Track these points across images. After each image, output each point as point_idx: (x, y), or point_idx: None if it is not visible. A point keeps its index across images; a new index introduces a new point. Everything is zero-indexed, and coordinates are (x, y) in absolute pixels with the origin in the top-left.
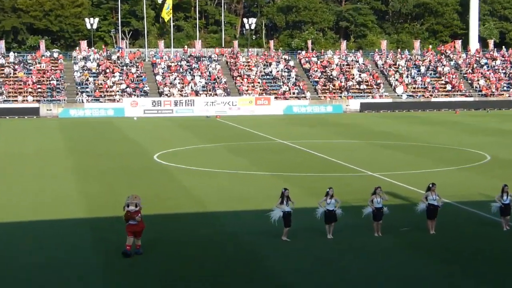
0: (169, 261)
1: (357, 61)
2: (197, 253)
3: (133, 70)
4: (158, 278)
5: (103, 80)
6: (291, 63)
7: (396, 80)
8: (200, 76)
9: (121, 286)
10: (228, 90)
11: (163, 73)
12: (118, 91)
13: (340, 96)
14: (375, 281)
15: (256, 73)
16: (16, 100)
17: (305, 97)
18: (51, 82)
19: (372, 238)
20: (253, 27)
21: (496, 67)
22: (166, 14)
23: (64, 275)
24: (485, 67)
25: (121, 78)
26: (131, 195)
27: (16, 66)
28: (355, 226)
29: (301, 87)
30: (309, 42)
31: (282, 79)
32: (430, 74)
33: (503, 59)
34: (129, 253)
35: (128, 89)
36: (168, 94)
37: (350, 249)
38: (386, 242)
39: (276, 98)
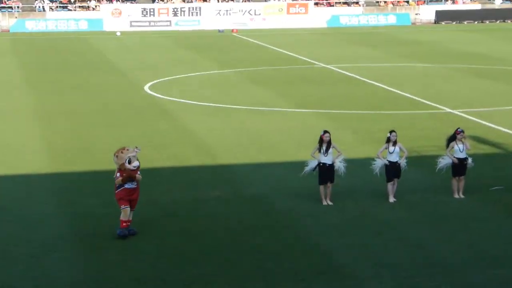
0: (167, 238)
1: None
2: (205, 225)
3: None
4: (154, 261)
5: None
6: None
7: None
8: None
9: (103, 272)
10: None
11: None
12: None
13: (407, 2)
14: (474, 268)
15: None
16: None
17: (357, 3)
18: None
19: (451, 201)
20: None
21: None
22: None
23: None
24: None
25: None
26: (130, 148)
27: None
28: (427, 184)
29: None
30: None
31: None
32: None
33: None
34: (128, 232)
35: None
36: (165, 0)
37: (423, 217)
38: (471, 206)
39: (316, 4)
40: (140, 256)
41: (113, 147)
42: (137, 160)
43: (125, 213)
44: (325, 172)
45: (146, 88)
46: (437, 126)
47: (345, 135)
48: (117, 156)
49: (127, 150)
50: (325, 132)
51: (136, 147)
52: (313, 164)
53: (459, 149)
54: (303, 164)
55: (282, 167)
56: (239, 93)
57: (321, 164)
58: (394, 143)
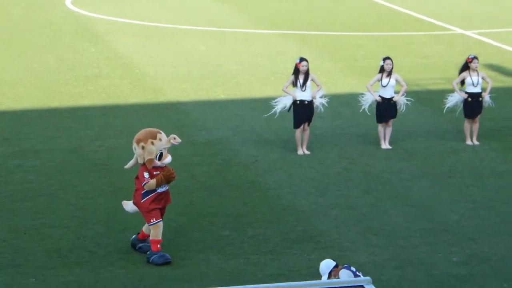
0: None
1: None
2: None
3: None
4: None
5: None
6: None
7: None
8: None
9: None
10: None
11: None
12: None
13: None
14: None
15: None
16: None
17: None
18: None
19: (462, 149)
20: None
21: None
22: None
23: None
24: None
25: None
26: (163, 135)
27: None
28: (431, 127)
29: None
30: None
31: None
32: None
33: None
34: (139, 248)
35: None
36: None
37: (426, 170)
38: (488, 156)
39: None
40: (63, 207)
41: (24, 79)
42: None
43: (159, 227)
44: (303, 112)
45: (67, 3)
46: (445, 52)
47: (323, 63)
48: (143, 147)
49: (160, 138)
50: (302, 59)
51: (174, 138)
52: (286, 101)
53: (473, 82)
54: (272, 101)
55: (245, 106)
56: (188, 10)
57: (298, 101)
58: (389, 74)
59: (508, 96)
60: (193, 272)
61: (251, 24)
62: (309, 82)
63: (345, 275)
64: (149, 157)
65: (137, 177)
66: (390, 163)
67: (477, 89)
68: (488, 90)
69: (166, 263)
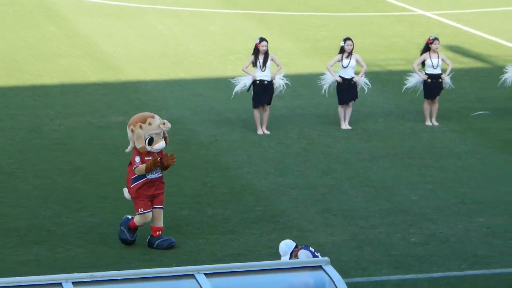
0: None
1: None
2: (106, 163)
3: None
4: None
5: None
6: None
7: None
8: None
9: None
10: None
11: None
12: None
13: None
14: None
15: None
16: None
17: None
18: None
19: (422, 130)
20: None
21: None
22: None
23: None
24: None
25: None
26: (155, 118)
27: None
28: (391, 108)
29: None
30: None
31: None
32: None
33: None
34: (166, 244)
35: None
36: None
37: (385, 151)
38: (447, 137)
39: None
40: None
41: None
42: (163, 137)
43: (145, 218)
44: (262, 92)
45: None
46: (406, 33)
47: (284, 44)
48: (132, 130)
49: (150, 122)
50: (262, 39)
51: (164, 123)
52: (246, 80)
53: (432, 64)
54: (231, 81)
55: (204, 85)
56: None
57: (257, 81)
58: (349, 55)
59: (468, 78)
60: (151, 252)
61: (211, 3)
62: (269, 62)
63: (304, 255)
64: (138, 141)
65: (130, 163)
66: (350, 143)
67: (437, 71)
68: (448, 71)
69: (128, 244)
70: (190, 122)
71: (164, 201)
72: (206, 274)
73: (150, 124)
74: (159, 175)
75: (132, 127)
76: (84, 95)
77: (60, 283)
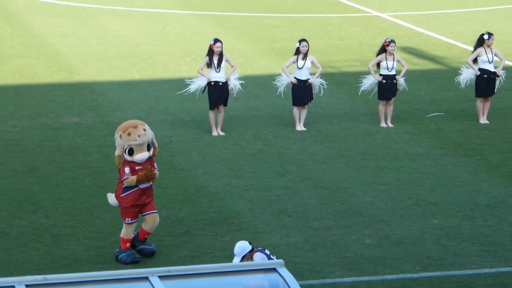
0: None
1: None
2: (58, 163)
3: None
4: None
5: None
6: None
7: None
8: None
9: None
10: None
11: None
12: None
13: None
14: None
15: None
16: None
17: None
18: None
19: (376, 131)
20: None
21: None
22: None
23: None
24: None
25: None
26: (141, 126)
27: None
28: (346, 109)
29: None
30: None
31: None
32: None
33: None
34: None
35: None
36: None
37: (340, 152)
38: (402, 138)
39: None
40: None
41: None
42: (149, 145)
43: (131, 229)
44: (218, 93)
45: None
46: (361, 35)
47: (239, 45)
48: (121, 136)
49: (129, 132)
50: (217, 40)
51: (144, 128)
52: (201, 82)
53: (387, 66)
54: (186, 82)
55: (159, 86)
56: None
57: (212, 82)
58: (305, 56)
59: (423, 79)
60: (106, 254)
61: (166, 4)
62: (223, 63)
63: (259, 258)
64: (117, 149)
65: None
66: (305, 145)
67: (392, 72)
68: (402, 73)
69: (135, 262)
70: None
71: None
72: (160, 277)
73: (129, 134)
74: (150, 184)
75: (120, 131)
76: (38, 96)
77: (13, 286)
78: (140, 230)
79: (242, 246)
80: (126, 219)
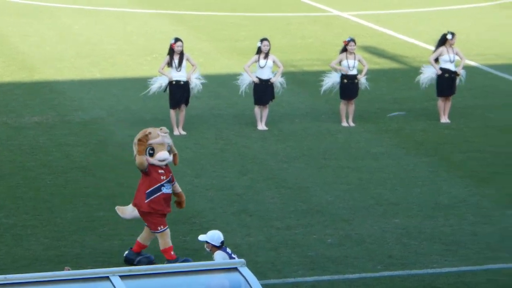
0: None
1: None
2: (20, 164)
3: None
4: None
5: None
6: None
7: None
8: None
9: None
10: None
11: None
12: None
13: None
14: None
15: None
16: None
17: None
18: None
19: (337, 130)
20: None
21: None
22: None
23: None
24: None
25: None
26: (153, 130)
27: None
28: (307, 108)
29: None
30: None
31: None
32: None
33: None
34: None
35: None
36: None
37: (301, 151)
38: (363, 137)
39: None
40: None
41: None
42: (169, 147)
43: (167, 236)
44: (179, 92)
45: None
46: (322, 34)
47: (201, 44)
48: (140, 140)
49: (155, 129)
50: (177, 40)
51: (161, 129)
52: (162, 81)
53: (348, 65)
54: (148, 81)
55: (120, 85)
56: None
57: (173, 81)
58: (266, 55)
59: (384, 79)
60: (67, 253)
61: (128, 3)
62: (184, 62)
63: (220, 257)
64: (137, 155)
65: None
66: (266, 144)
67: (353, 72)
68: (364, 72)
69: (152, 262)
70: (106, 123)
71: (80, 201)
72: (121, 276)
73: (149, 133)
74: (170, 192)
75: (135, 140)
76: None
77: None
78: (137, 244)
79: (219, 236)
80: (159, 228)
